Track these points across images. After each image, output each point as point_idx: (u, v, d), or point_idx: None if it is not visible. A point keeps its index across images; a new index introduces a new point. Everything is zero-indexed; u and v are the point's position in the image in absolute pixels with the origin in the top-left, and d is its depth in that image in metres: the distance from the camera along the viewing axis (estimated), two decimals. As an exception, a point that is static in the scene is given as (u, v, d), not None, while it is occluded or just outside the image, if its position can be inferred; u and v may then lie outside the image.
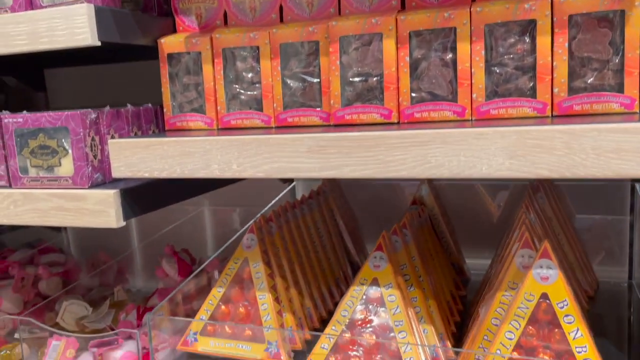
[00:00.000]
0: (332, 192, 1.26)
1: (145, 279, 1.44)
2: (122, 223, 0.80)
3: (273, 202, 1.21)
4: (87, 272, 1.37)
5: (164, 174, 0.76)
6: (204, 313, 0.92)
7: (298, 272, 1.00)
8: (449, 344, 0.84)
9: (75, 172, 0.82)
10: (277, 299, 0.91)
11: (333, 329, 0.81)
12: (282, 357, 0.85)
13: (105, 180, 0.85)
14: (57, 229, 1.51)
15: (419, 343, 0.75)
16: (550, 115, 0.69)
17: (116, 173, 0.79)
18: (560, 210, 1.09)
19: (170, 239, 1.33)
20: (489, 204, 1.25)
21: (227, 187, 1.40)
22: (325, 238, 1.16)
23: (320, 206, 1.19)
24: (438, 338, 0.83)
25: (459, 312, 0.98)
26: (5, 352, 1.07)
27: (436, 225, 1.18)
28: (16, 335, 1.08)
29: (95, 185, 0.83)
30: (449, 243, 1.18)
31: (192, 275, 1.01)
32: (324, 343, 0.80)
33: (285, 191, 1.29)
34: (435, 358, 0.81)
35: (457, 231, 1.23)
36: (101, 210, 0.79)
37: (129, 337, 1.05)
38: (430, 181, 1.20)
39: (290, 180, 1.36)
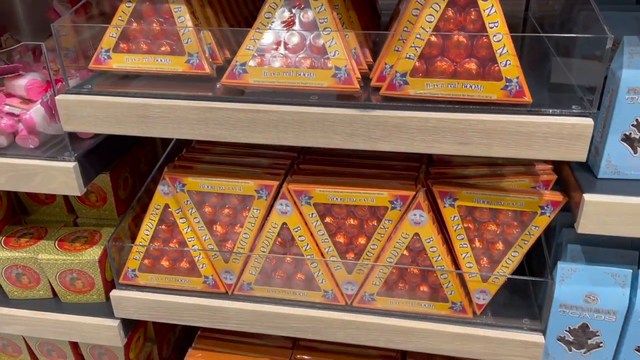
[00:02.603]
0: None
1: (37, 29, 1.30)
2: None
3: None
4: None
5: None
6: (113, 31, 0.86)
7: (212, -6, 0.95)
8: (367, 52, 0.87)
9: None
10: (193, 13, 0.87)
11: (257, 30, 0.80)
12: (205, 67, 0.85)
13: None
14: None
15: (340, 30, 0.77)
16: None
17: None
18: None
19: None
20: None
21: None
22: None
23: None
24: (358, 43, 0.85)
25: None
26: None
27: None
28: None
29: None
30: (363, -22, 1.16)
31: (94, -7, 0.92)
32: (249, 45, 0.79)
33: None
34: (356, 60, 0.84)
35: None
36: None
37: (31, 70, 0.98)
38: None
39: None
